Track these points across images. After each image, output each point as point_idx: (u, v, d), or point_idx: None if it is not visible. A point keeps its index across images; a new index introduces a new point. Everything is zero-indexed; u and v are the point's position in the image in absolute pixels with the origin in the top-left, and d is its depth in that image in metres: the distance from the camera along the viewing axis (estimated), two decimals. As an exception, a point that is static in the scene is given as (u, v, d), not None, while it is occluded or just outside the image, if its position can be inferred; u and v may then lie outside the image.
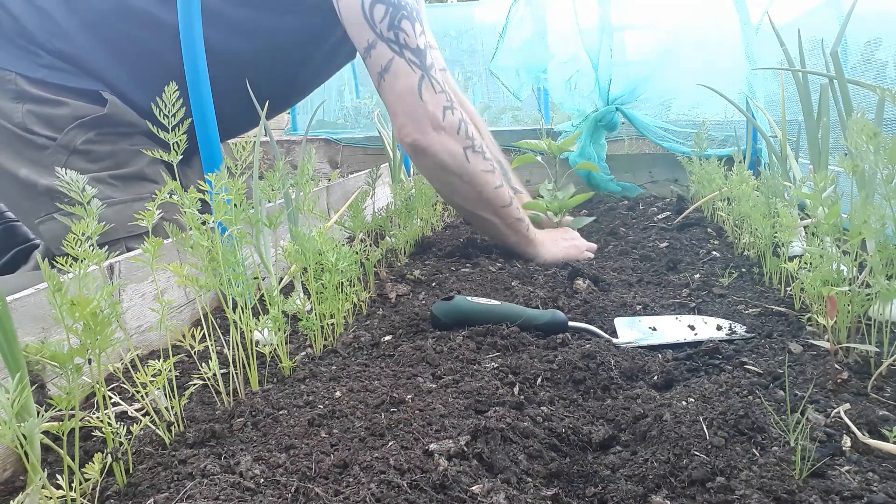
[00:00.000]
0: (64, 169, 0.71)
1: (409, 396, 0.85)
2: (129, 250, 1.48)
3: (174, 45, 1.58)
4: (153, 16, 1.54)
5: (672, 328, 1.12)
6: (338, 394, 0.87)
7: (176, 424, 0.80)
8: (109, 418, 0.71)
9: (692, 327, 1.11)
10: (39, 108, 1.51)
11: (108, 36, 1.56)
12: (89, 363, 0.68)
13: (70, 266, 0.67)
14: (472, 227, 1.98)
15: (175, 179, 0.86)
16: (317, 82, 2.00)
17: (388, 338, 1.12)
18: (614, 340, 1.08)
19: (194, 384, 0.88)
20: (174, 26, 1.59)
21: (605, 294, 1.36)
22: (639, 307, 1.24)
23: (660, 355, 1.03)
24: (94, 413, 0.80)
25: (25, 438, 0.58)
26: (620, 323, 1.14)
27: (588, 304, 1.27)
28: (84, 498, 0.66)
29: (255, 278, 1.04)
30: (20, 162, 1.51)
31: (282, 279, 1.26)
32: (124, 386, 0.88)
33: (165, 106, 0.87)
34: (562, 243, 1.74)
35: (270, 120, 1.85)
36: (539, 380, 0.93)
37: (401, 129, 1.53)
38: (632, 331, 1.11)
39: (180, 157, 0.88)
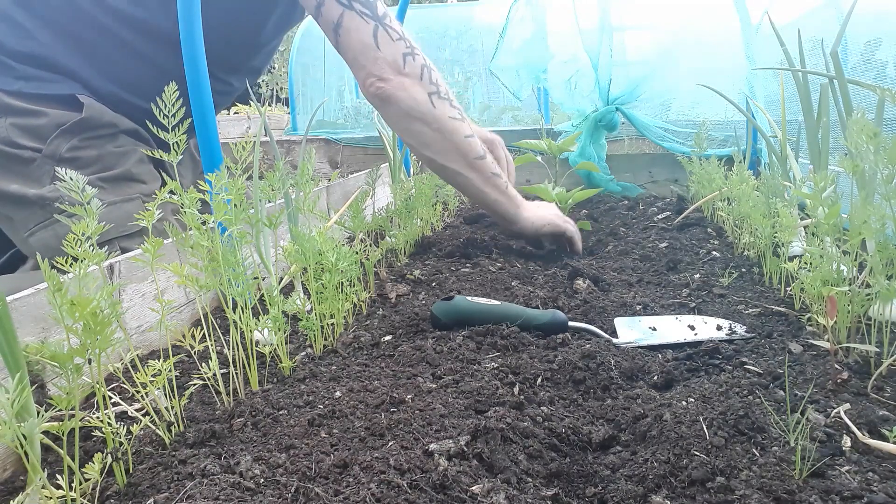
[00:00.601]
0: (64, 169, 0.71)
1: (409, 396, 0.85)
2: (121, 250, 1.48)
3: (137, 34, 1.58)
4: (103, 3, 1.54)
5: (672, 328, 1.12)
6: (338, 394, 0.87)
7: (176, 424, 0.80)
8: (109, 418, 0.71)
9: (692, 327, 1.11)
10: (22, 120, 1.50)
11: (68, 29, 1.56)
12: (89, 363, 0.68)
13: (70, 266, 0.67)
14: (456, 189, 1.92)
15: (168, 177, 0.86)
16: (273, 45, 1.98)
17: (388, 338, 1.12)
18: (614, 340, 1.08)
19: (194, 384, 0.88)
20: (131, 14, 1.58)
21: (605, 294, 1.36)
22: (639, 307, 1.24)
23: (660, 355, 1.03)
24: (94, 413, 0.80)
25: (25, 438, 0.58)
26: (620, 323, 1.14)
27: (588, 304, 1.27)
28: (84, 498, 0.66)
29: (255, 278, 1.04)
30: (10, 178, 1.51)
31: (282, 279, 1.26)
32: (124, 386, 0.88)
33: (165, 106, 0.87)
34: (545, 210, 1.72)
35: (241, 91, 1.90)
36: (539, 380, 0.93)
37: (364, 81, 1.49)
38: (632, 331, 1.11)
39: (180, 157, 0.88)
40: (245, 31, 1.74)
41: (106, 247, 0.77)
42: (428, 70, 1.51)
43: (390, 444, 0.73)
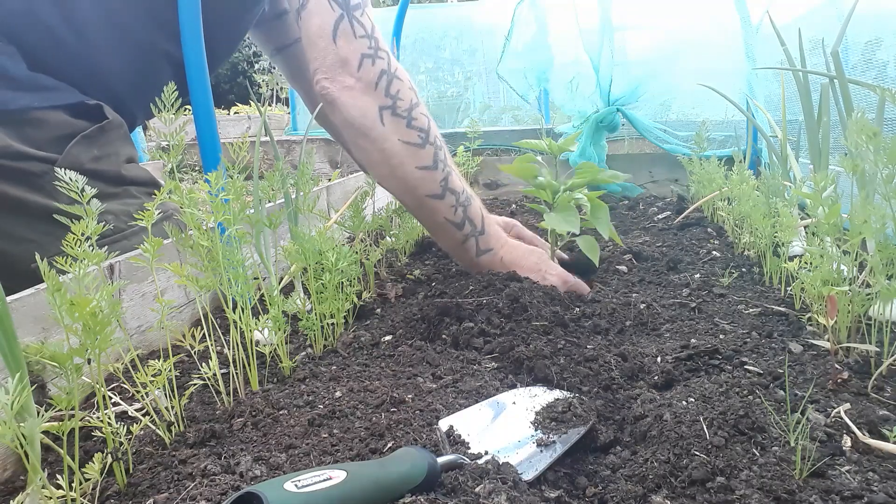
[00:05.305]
0: (63, 170, 0.71)
1: (409, 396, 0.85)
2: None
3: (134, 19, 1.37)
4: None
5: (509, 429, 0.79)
6: (338, 394, 0.87)
7: (176, 424, 0.80)
8: (109, 418, 0.71)
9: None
10: (39, 133, 1.29)
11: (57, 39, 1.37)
12: (89, 363, 0.68)
13: (69, 266, 0.67)
14: None
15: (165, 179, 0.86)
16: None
17: (388, 338, 1.12)
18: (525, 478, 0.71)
19: (194, 384, 0.88)
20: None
21: (613, 293, 1.35)
22: (642, 306, 1.24)
23: (659, 357, 1.03)
24: (94, 413, 0.80)
25: (25, 438, 0.58)
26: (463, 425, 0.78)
27: (597, 303, 1.27)
28: (84, 498, 0.66)
29: (255, 278, 1.04)
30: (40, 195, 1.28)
31: (282, 279, 1.26)
32: (124, 386, 0.88)
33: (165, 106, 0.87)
34: (523, 260, 1.36)
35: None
36: (539, 380, 0.93)
37: (313, 75, 1.30)
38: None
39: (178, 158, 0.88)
40: (230, 21, 1.57)
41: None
42: (388, 79, 1.29)
43: (390, 444, 0.73)
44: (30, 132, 1.23)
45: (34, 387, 0.81)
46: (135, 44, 1.39)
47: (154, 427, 0.77)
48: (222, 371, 0.94)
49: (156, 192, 1.23)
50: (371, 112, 1.27)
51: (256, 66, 9.81)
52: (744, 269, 1.46)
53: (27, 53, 1.28)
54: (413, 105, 1.31)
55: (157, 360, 0.76)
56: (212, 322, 1.03)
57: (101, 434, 0.74)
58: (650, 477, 0.69)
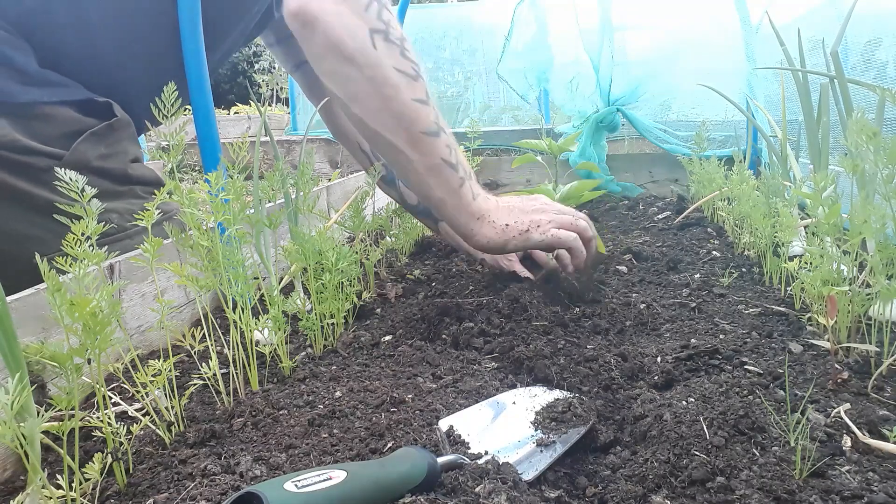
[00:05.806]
0: (63, 169, 0.71)
1: (409, 396, 0.85)
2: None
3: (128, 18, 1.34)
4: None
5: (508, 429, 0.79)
6: (338, 394, 0.87)
7: (176, 424, 0.80)
8: (109, 418, 0.71)
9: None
10: (51, 129, 1.29)
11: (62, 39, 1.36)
12: (89, 363, 0.68)
13: (69, 266, 0.67)
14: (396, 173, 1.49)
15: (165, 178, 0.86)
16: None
17: (388, 338, 1.12)
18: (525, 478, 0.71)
19: (194, 384, 0.88)
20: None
21: (613, 293, 1.36)
22: (642, 306, 1.24)
23: (659, 358, 1.03)
24: (94, 413, 0.80)
25: (25, 438, 0.58)
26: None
27: (597, 303, 1.27)
28: (84, 498, 0.66)
29: (255, 278, 1.04)
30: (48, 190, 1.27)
31: (282, 279, 1.26)
32: (124, 386, 0.88)
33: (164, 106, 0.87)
34: (519, 216, 1.23)
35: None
36: (539, 380, 0.93)
37: (287, 5, 1.13)
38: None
39: (178, 157, 0.88)
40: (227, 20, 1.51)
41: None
42: (379, 6, 1.15)
43: (390, 444, 0.73)
44: (37, 127, 1.22)
45: (34, 387, 0.81)
46: (146, 49, 1.39)
47: (154, 427, 0.77)
48: (222, 371, 0.94)
49: (157, 192, 1.19)
50: (361, 33, 1.12)
51: (256, 66, 9.82)
52: (744, 269, 1.46)
53: (38, 51, 1.29)
54: (405, 37, 1.19)
55: (157, 360, 0.76)
56: (212, 322, 1.03)
57: (101, 434, 0.74)
58: (650, 477, 0.69)
